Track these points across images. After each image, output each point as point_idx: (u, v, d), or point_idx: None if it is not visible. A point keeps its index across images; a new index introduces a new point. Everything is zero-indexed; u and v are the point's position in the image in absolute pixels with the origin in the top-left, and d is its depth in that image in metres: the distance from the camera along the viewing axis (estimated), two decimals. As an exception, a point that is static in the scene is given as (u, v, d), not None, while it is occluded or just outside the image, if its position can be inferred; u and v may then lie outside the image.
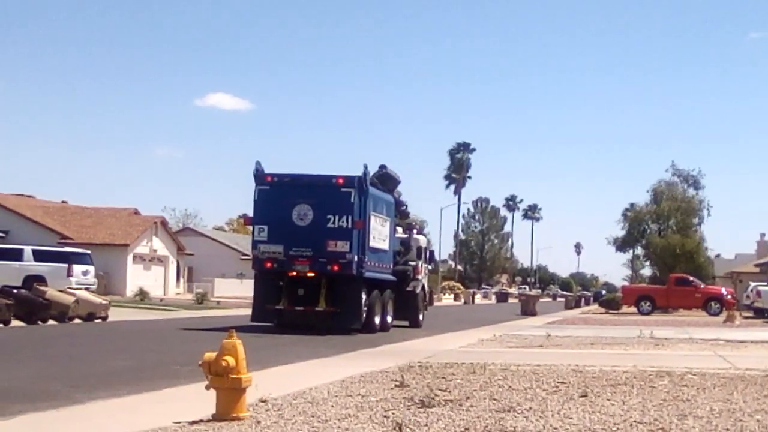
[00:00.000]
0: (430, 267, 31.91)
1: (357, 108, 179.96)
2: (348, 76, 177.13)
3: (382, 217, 25.39)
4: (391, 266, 26.55)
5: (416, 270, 28.61)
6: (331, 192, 23.47)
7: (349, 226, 23.19)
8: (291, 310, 23.61)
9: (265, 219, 23.74)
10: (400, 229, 29.47)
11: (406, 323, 27.38)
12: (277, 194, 23.72)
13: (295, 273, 23.48)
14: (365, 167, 23.98)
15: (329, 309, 23.38)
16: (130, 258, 57.68)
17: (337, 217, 23.21)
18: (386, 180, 27.37)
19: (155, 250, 61.35)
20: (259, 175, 24.01)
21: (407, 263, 28.19)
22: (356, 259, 23.24)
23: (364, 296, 23.73)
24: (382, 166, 27.28)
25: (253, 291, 25.19)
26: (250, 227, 24.84)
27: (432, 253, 31.66)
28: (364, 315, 23.75)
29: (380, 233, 25.16)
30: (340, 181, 23.63)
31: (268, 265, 23.72)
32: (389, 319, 25.74)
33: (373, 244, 24.34)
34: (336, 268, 23.20)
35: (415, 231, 30.45)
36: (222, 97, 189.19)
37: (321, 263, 23.24)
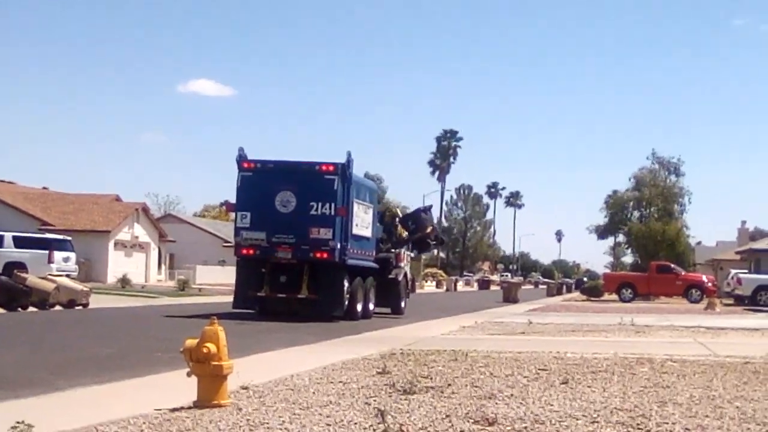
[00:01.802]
0: (412, 254, 32.01)
1: (342, 95, 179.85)
2: (333, 62, 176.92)
3: (365, 204, 25.40)
4: (374, 253, 26.55)
5: (398, 257, 28.62)
6: (315, 179, 23.50)
7: (332, 213, 23.22)
8: (273, 297, 23.64)
9: (247, 206, 23.74)
10: (389, 216, 29.53)
11: (388, 310, 27.39)
12: (259, 181, 23.69)
13: (277, 260, 23.47)
14: (348, 154, 24.02)
15: (311, 296, 23.39)
16: (111, 245, 57.44)
17: (320, 204, 23.23)
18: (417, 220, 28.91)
19: (137, 237, 61.11)
20: (242, 162, 23.99)
21: (390, 251, 28.19)
22: (339, 246, 23.25)
23: (346, 283, 23.71)
24: (426, 209, 28.81)
25: (235, 278, 25.16)
26: (233, 214, 24.79)
27: None
28: (347, 302, 23.73)
29: (363, 220, 25.16)
30: (324, 168, 23.64)
31: (251, 251, 23.71)
32: (371, 306, 25.74)
33: (355, 231, 24.37)
34: (318, 255, 23.20)
35: (397, 218, 30.48)
36: (205, 84, 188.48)
37: (303, 250, 23.24)
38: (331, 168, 23.57)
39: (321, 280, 23.43)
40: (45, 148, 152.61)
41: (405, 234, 29.27)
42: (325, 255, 23.17)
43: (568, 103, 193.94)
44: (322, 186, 23.41)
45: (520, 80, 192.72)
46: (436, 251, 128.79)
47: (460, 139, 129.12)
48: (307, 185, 23.45)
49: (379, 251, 27.21)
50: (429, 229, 30.32)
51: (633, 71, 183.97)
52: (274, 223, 23.31)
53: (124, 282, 47.76)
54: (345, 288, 23.64)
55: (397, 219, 30.27)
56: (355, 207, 24.33)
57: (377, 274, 26.42)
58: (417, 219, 30.21)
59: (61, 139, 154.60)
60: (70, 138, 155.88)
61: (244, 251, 23.89)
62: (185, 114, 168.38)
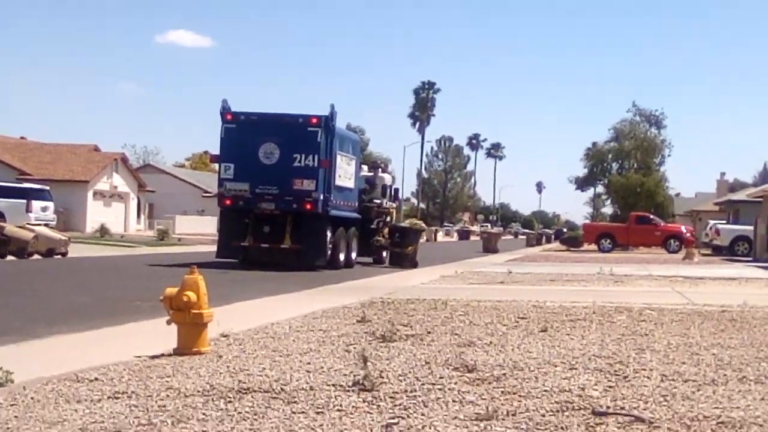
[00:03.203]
0: (395, 205, 32.25)
1: (321, 46, 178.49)
2: (312, 13, 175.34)
3: (348, 156, 25.65)
4: (357, 204, 26.84)
5: (381, 207, 28.78)
6: (298, 131, 23.70)
7: (316, 165, 23.49)
8: (256, 246, 23.87)
9: (231, 157, 23.90)
10: (365, 167, 29.64)
11: (370, 260, 27.53)
12: (243, 133, 23.85)
13: (260, 211, 23.64)
14: (332, 107, 24.16)
15: (294, 246, 23.62)
16: (90, 194, 57.16)
17: (303, 156, 23.47)
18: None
19: (115, 187, 60.82)
20: (226, 113, 24.10)
21: (372, 201, 28.29)
22: (322, 197, 23.51)
23: (329, 234, 23.99)
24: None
25: (219, 228, 25.57)
26: (216, 165, 24.82)
27: (397, 191, 32.19)
28: (329, 252, 24.01)
29: (346, 172, 25.42)
30: (307, 120, 23.80)
31: (234, 202, 23.86)
32: (354, 256, 26.00)
33: (338, 182, 24.62)
34: (302, 206, 23.43)
35: (380, 169, 30.60)
36: (183, 34, 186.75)
37: (287, 201, 23.50)
38: (314, 120, 23.73)
39: (304, 231, 23.62)
40: (22, 97, 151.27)
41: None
42: (308, 206, 23.41)
43: (550, 55, 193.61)
44: (305, 138, 23.58)
45: (501, 32, 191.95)
46: (416, 202, 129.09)
47: (438, 90, 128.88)
48: (290, 137, 23.60)
49: (362, 202, 27.42)
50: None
51: (615, 23, 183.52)
52: (258, 175, 23.50)
53: (103, 231, 47.59)
54: (328, 238, 23.89)
55: (380, 170, 30.36)
56: (339, 159, 24.54)
57: (360, 225, 26.66)
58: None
59: (38, 88, 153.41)
60: (47, 88, 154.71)
61: (228, 202, 24.06)
62: (164, 65, 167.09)
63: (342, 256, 24.87)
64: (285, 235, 23.66)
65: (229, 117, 24.02)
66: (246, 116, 24.26)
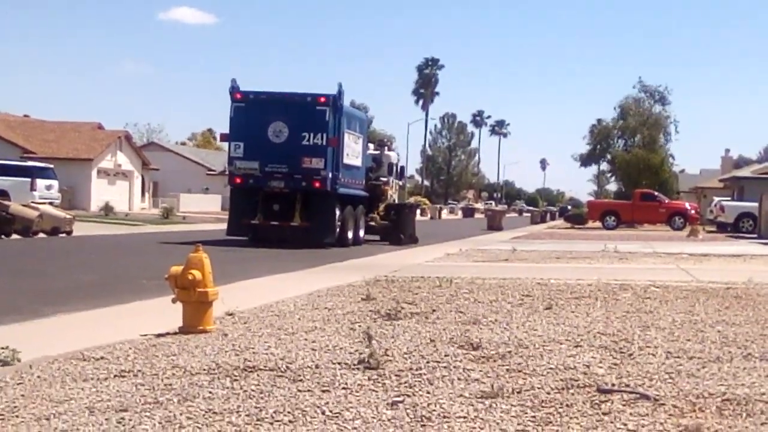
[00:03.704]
0: (401, 183, 32.72)
1: (325, 22, 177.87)
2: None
3: (355, 134, 26.07)
4: (364, 182, 27.24)
5: (388, 186, 29.33)
6: (307, 110, 24.13)
7: (324, 143, 23.90)
8: (266, 225, 24.28)
9: (241, 136, 24.32)
10: (371, 146, 29.86)
11: (377, 237, 27.73)
12: (252, 112, 24.25)
13: (270, 189, 24.06)
14: (339, 85, 24.60)
15: (304, 224, 24.02)
16: (94, 173, 57.16)
17: (311, 135, 23.87)
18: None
19: (120, 165, 60.80)
20: (235, 93, 24.52)
21: (379, 179, 28.74)
22: (330, 175, 23.91)
23: (337, 211, 24.39)
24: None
25: (229, 206, 25.97)
26: (224, 143, 25.21)
27: (403, 168, 33.10)
28: (338, 229, 24.39)
29: (353, 150, 25.84)
30: (316, 99, 24.20)
31: (244, 180, 24.27)
32: (362, 233, 26.41)
33: (346, 161, 25.03)
34: (310, 184, 23.84)
35: (386, 147, 31.08)
36: (186, 11, 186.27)
37: (296, 179, 23.93)
38: (322, 99, 24.15)
39: (313, 208, 24.01)
40: (25, 75, 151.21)
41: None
42: (317, 184, 23.82)
43: (555, 31, 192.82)
44: (314, 117, 24.00)
45: (505, 9, 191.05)
46: (420, 179, 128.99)
47: (442, 67, 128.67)
48: (299, 116, 24.02)
49: (369, 180, 27.77)
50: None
51: (620, 0, 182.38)
52: (267, 153, 23.91)
53: (108, 210, 47.65)
54: (336, 216, 24.28)
55: (386, 148, 30.82)
56: (346, 137, 24.96)
57: (367, 202, 27.08)
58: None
59: (41, 66, 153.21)
60: (51, 66, 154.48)
61: (238, 180, 24.51)
62: (167, 42, 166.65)
63: (350, 234, 25.24)
64: (294, 213, 24.02)
65: (238, 96, 24.43)
66: (255, 95, 24.64)
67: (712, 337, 7.75)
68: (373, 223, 27.59)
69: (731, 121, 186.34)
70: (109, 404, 5.21)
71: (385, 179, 29.04)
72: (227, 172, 25.59)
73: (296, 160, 23.74)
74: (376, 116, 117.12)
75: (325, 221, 23.94)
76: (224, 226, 26.14)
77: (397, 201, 30.69)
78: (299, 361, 6.50)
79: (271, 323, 8.50)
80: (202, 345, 7.18)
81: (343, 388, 5.63)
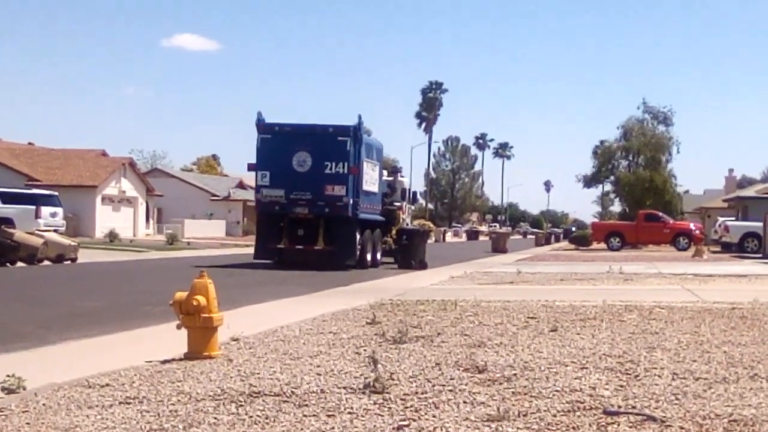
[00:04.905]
0: (413, 207, 33.93)
1: (327, 46, 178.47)
2: (317, 15, 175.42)
3: (373, 162, 27.38)
4: (380, 207, 28.49)
5: (401, 210, 30.61)
6: (329, 140, 25.56)
7: (345, 171, 25.34)
8: (291, 248, 25.62)
9: (267, 165, 25.72)
10: (385, 172, 30.68)
11: (391, 259, 28.41)
12: (278, 142, 25.64)
13: (295, 215, 25.37)
14: (359, 117, 26.20)
15: (327, 248, 25.35)
16: (98, 199, 57.20)
17: (333, 164, 25.32)
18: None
19: (124, 192, 60.84)
20: (261, 125, 25.93)
21: (393, 204, 29.98)
22: (351, 202, 25.29)
23: (358, 235, 25.67)
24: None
25: (256, 231, 27.51)
26: (253, 173, 26.66)
27: (415, 193, 34.79)
28: (358, 252, 25.62)
29: (371, 177, 27.19)
30: (337, 130, 25.67)
31: (271, 207, 25.58)
32: (378, 255, 27.60)
33: (365, 187, 26.34)
34: (333, 210, 25.20)
35: (399, 174, 32.86)
36: (189, 38, 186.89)
37: (319, 206, 25.31)
38: (343, 130, 25.61)
39: (335, 233, 25.31)
40: (30, 103, 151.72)
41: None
42: (339, 210, 25.15)
43: (558, 53, 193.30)
44: (336, 147, 25.42)
45: (508, 31, 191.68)
46: (424, 203, 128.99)
47: (446, 90, 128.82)
48: (322, 146, 25.45)
49: (384, 205, 28.96)
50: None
51: (623, 20, 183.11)
52: (292, 182, 25.30)
53: (112, 236, 47.67)
54: (357, 239, 25.60)
55: (399, 174, 32.14)
56: (365, 165, 26.27)
57: (383, 227, 28.28)
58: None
59: (46, 94, 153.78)
60: (55, 93, 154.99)
61: (265, 207, 25.79)
62: (170, 69, 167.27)
63: (369, 257, 26.50)
64: (318, 238, 25.37)
65: (263, 128, 25.85)
66: (280, 127, 26.03)
67: (718, 358, 7.73)
68: (386, 246, 28.55)
69: (735, 141, 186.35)
70: (114, 431, 5.20)
71: (398, 204, 30.41)
72: (255, 200, 27.01)
73: (319, 187, 25.11)
74: (379, 140, 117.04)
75: (347, 245, 25.18)
76: (229, 251, 26.64)
77: (409, 225, 31.90)
78: (304, 386, 6.50)
79: (276, 348, 8.49)
80: (207, 371, 7.18)
81: (349, 413, 5.62)
